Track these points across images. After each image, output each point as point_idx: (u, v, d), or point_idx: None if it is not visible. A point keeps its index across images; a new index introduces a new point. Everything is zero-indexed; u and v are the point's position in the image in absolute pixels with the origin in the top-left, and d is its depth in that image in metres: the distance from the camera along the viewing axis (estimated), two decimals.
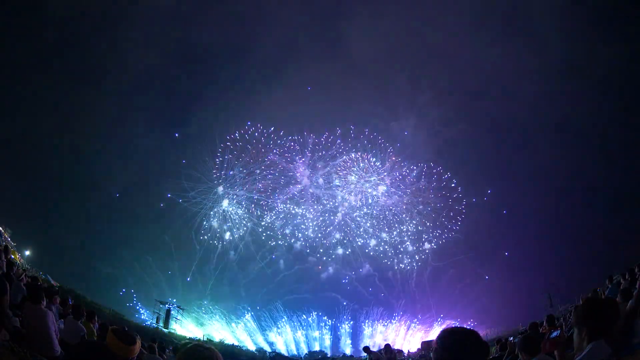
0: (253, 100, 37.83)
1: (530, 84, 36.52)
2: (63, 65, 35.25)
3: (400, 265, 35.61)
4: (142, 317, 32.31)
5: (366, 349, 14.76)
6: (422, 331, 35.23)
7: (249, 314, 35.12)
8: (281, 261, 35.93)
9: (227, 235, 35.49)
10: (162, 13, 37.55)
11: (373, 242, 35.71)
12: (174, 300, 33.12)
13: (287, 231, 35.59)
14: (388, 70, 39.44)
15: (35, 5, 33.89)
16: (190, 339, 30.05)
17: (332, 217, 35.63)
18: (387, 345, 14.33)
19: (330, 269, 35.73)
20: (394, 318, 35.68)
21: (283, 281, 35.77)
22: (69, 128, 35.03)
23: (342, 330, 35.81)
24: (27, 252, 25.81)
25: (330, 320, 35.69)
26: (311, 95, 37.01)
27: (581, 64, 33.88)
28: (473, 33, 37.69)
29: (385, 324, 35.53)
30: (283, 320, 35.42)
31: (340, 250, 35.63)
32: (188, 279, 34.95)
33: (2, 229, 22.50)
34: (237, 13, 38.76)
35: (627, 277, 10.58)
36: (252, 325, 35.14)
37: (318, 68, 37.86)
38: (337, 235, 35.47)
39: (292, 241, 35.80)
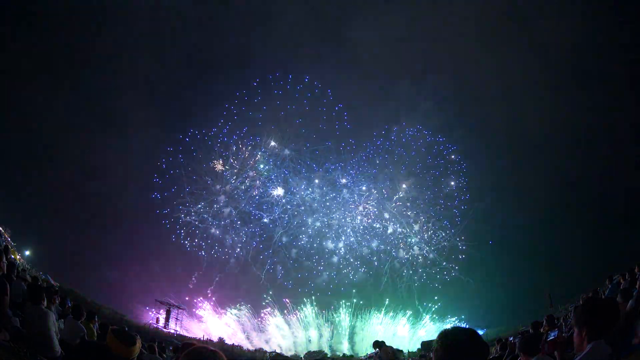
0: (254, 105, 37.85)
1: (532, 88, 36.66)
2: (65, 67, 35.29)
3: (395, 265, 36.22)
4: (142, 317, 32.39)
5: (381, 343, 12.01)
6: (421, 332, 35.38)
7: (249, 315, 35.48)
8: (279, 267, 37.11)
9: (228, 241, 36.25)
10: (162, 15, 37.63)
11: (365, 250, 36.67)
12: (174, 300, 33.25)
13: (285, 239, 36.71)
14: (391, 75, 39.62)
15: (36, 6, 33.86)
16: (190, 339, 30.08)
17: (327, 225, 36.54)
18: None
19: (326, 274, 36.69)
20: (391, 319, 36.01)
21: (282, 284, 36.75)
22: (70, 129, 35.04)
23: (341, 331, 36.23)
24: (27, 252, 25.82)
25: (329, 322, 36.37)
26: (312, 100, 37.01)
27: (584, 68, 33.89)
28: (475, 38, 37.74)
29: (380, 324, 35.92)
30: (282, 321, 35.82)
31: (335, 258, 36.78)
32: (192, 282, 35.21)
33: (2, 229, 22.50)
34: (238, 14, 38.78)
35: (627, 277, 10.59)
36: (252, 325, 35.43)
37: (320, 71, 38.08)
38: (331, 245, 36.63)
39: (290, 248, 36.94)
